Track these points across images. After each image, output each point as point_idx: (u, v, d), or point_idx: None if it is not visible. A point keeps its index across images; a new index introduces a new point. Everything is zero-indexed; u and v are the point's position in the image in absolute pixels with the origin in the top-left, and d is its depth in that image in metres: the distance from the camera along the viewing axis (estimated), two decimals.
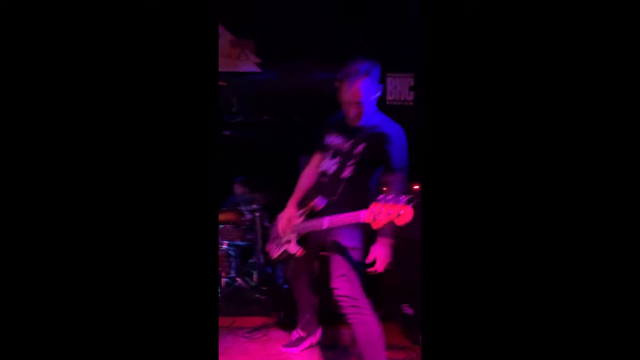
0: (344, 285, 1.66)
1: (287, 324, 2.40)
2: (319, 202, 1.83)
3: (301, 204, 1.92)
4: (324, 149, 1.85)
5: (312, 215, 1.86)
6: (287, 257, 1.99)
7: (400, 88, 3.22)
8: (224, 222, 3.34)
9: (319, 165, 1.88)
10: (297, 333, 2.17)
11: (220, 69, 3.35)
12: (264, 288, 3.09)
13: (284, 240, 1.95)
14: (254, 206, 3.58)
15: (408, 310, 2.52)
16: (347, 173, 1.73)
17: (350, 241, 1.74)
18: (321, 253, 2.03)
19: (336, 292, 1.67)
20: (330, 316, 2.41)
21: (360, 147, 1.69)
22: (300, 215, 1.89)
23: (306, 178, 1.92)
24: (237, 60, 3.34)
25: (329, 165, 1.79)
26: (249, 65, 3.36)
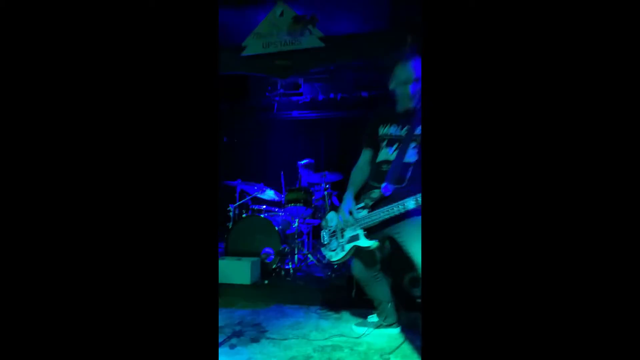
0: None
1: (360, 303, 2.39)
2: (385, 190, 1.72)
3: (360, 198, 1.82)
4: (373, 143, 1.81)
5: (377, 204, 1.74)
6: (355, 253, 1.85)
7: None
8: (294, 201, 3.41)
9: (371, 160, 1.84)
10: (374, 317, 2.10)
11: (282, 47, 3.34)
12: (335, 266, 3.11)
13: (346, 238, 1.83)
14: (324, 185, 3.58)
15: None
16: (412, 156, 1.71)
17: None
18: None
19: None
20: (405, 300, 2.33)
21: (420, 129, 1.68)
22: (363, 208, 1.78)
23: (359, 172, 1.85)
24: (301, 36, 3.27)
25: (388, 153, 1.75)
26: (312, 40, 3.28)
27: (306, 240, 3.80)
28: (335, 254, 1.88)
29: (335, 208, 2.00)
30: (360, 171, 1.85)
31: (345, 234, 1.84)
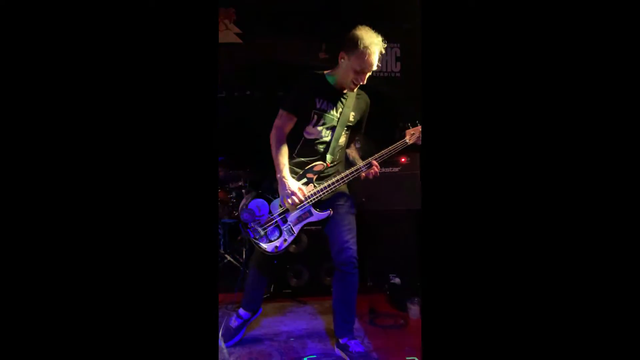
0: (354, 247, 1.69)
1: (279, 296, 2.45)
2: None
3: (302, 172, 1.70)
4: (301, 112, 1.66)
5: (321, 178, 1.69)
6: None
7: (387, 58, 3.15)
8: None
9: (288, 127, 1.67)
10: (237, 318, 1.93)
11: None
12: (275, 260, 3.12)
13: (292, 220, 1.70)
14: (240, 183, 3.54)
15: (395, 279, 2.62)
16: (343, 140, 1.75)
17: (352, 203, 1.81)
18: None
19: (351, 253, 1.68)
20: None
21: (351, 115, 1.73)
22: (306, 184, 1.68)
23: (281, 143, 1.65)
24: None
25: (321, 134, 1.69)
26: (228, 36, 3.22)
27: (222, 240, 3.72)
28: (281, 242, 1.72)
29: (264, 197, 1.77)
30: (282, 142, 1.64)
31: (290, 217, 1.70)
